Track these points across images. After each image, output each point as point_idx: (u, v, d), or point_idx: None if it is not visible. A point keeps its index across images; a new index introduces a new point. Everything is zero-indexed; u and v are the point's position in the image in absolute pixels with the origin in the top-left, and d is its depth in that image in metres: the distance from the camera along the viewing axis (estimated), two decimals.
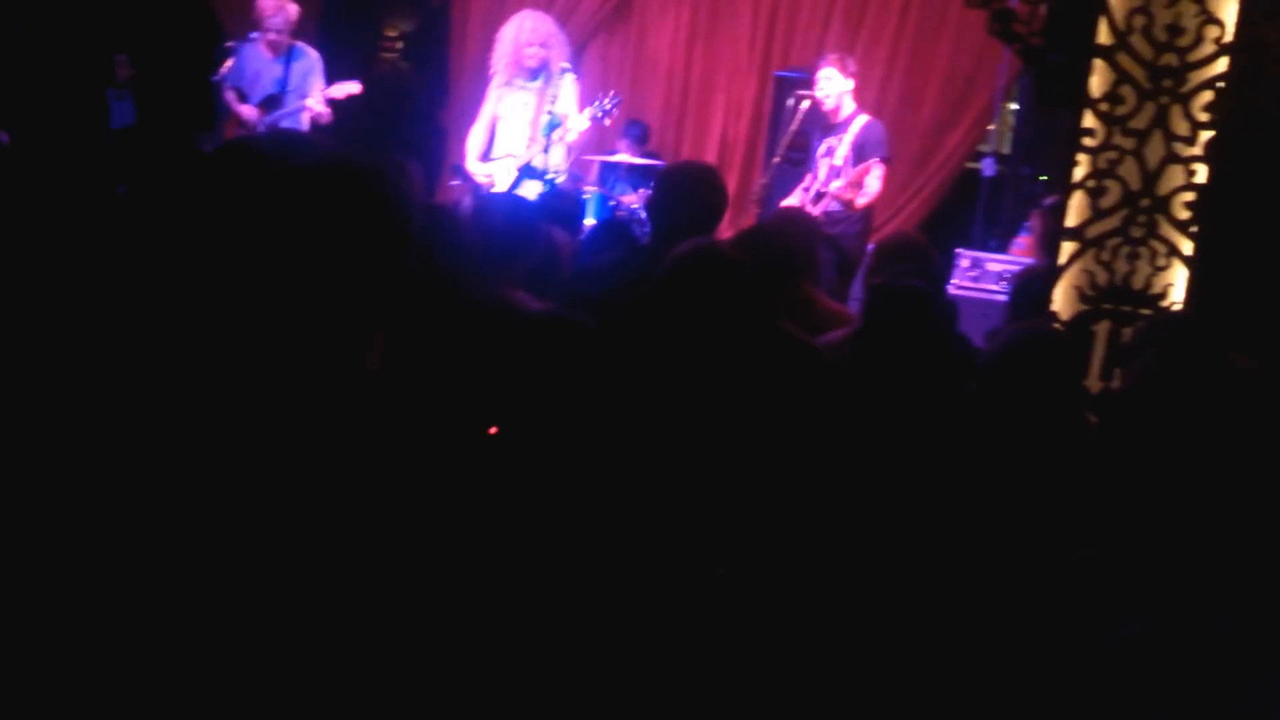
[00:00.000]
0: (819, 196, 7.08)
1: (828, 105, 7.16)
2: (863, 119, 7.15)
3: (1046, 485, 2.50)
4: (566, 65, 7.36)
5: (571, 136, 7.20)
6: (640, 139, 8.97)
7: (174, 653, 1.65)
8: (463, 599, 1.83)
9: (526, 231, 3.99)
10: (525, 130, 7.25)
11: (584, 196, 7.51)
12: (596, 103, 7.29)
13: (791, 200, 7.23)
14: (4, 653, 1.66)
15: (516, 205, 4.50)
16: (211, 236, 1.88)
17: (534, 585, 2.25)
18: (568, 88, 7.28)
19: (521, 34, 7.30)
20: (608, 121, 7.51)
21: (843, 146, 7.08)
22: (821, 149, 7.24)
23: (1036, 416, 2.76)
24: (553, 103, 7.19)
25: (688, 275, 3.00)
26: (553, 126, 7.18)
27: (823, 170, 7.19)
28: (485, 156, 7.40)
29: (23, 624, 1.68)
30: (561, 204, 5.55)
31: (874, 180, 6.94)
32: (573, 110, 7.23)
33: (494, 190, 7.21)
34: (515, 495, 2.34)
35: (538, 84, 7.31)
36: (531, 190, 7.15)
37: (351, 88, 7.51)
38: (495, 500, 2.16)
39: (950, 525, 2.36)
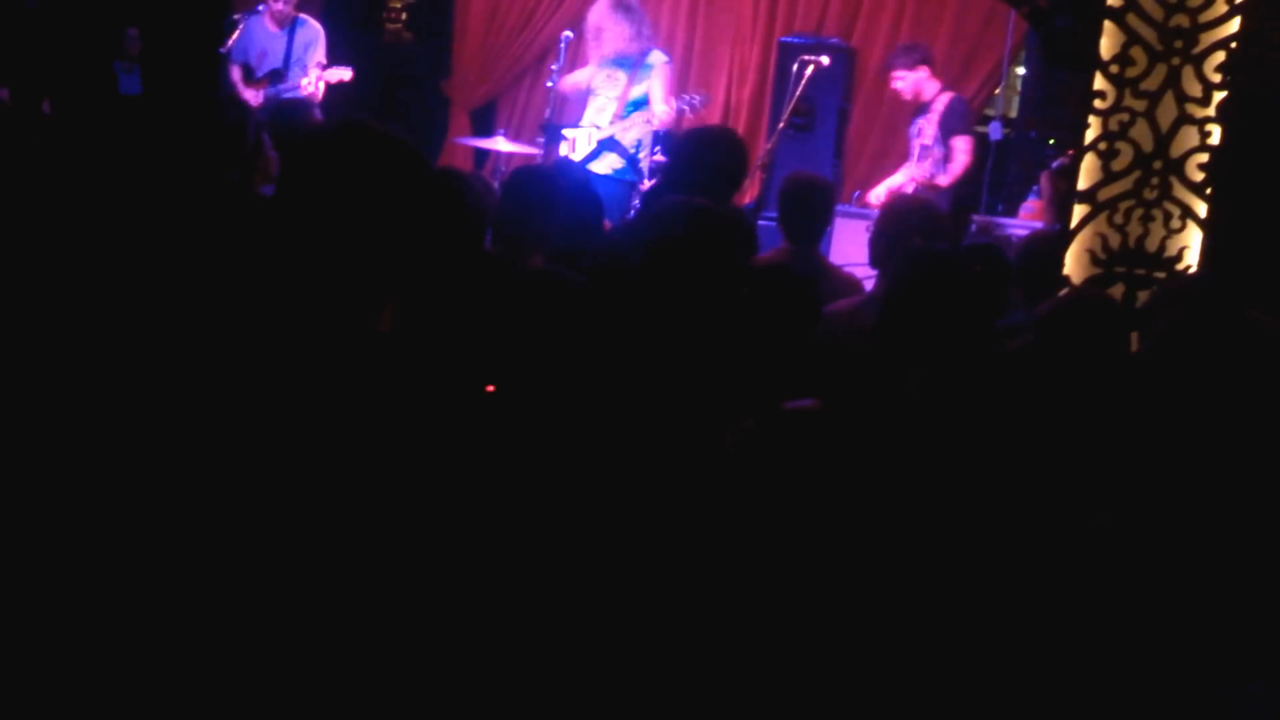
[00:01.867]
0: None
1: (907, 96, 7.58)
2: (945, 96, 7.44)
3: (1079, 449, 2.51)
4: (648, 48, 7.36)
5: (655, 123, 7.23)
6: None
7: (192, 588, 1.70)
8: (465, 553, 1.86)
9: (547, 199, 3.98)
10: (611, 105, 7.31)
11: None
12: (686, 96, 7.34)
13: (897, 179, 7.52)
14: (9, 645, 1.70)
15: (542, 174, 4.47)
16: (234, 205, 1.92)
17: (532, 542, 2.27)
18: (658, 72, 7.32)
19: (589, 23, 7.45)
20: (690, 115, 7.58)
21: (929, 126, 7.37)
22: (914, 129, 7.53)
23: (1082, 384, 2.75)
24: (635, 81, 7.27)
25: (680, 232, 2.97)
26: (636, 106, 7.26)
27: (916, 149, 7.48)
28: (573, 124, 7.50)
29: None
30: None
31: (960, 155, 7.28)
32: (659, 95, 7.27)
33: (572, 157, 7.33)
34: (515, 449, 2.35)
35: (629, 65, 7.36)
36: (608, 164, 7.26)
37: (343, 74, 7.54)
38: (496, 454, 2.18)
39: (983, 498, 2.36)
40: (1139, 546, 2.09)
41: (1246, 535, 1.99)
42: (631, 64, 7.31)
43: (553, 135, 7.57)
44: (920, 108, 7.51)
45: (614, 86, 7.35)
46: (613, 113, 7.32)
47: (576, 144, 7.37)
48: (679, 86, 9.59)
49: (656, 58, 7.37)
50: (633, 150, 7.26)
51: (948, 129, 7.30)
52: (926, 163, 7.31)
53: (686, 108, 7.35)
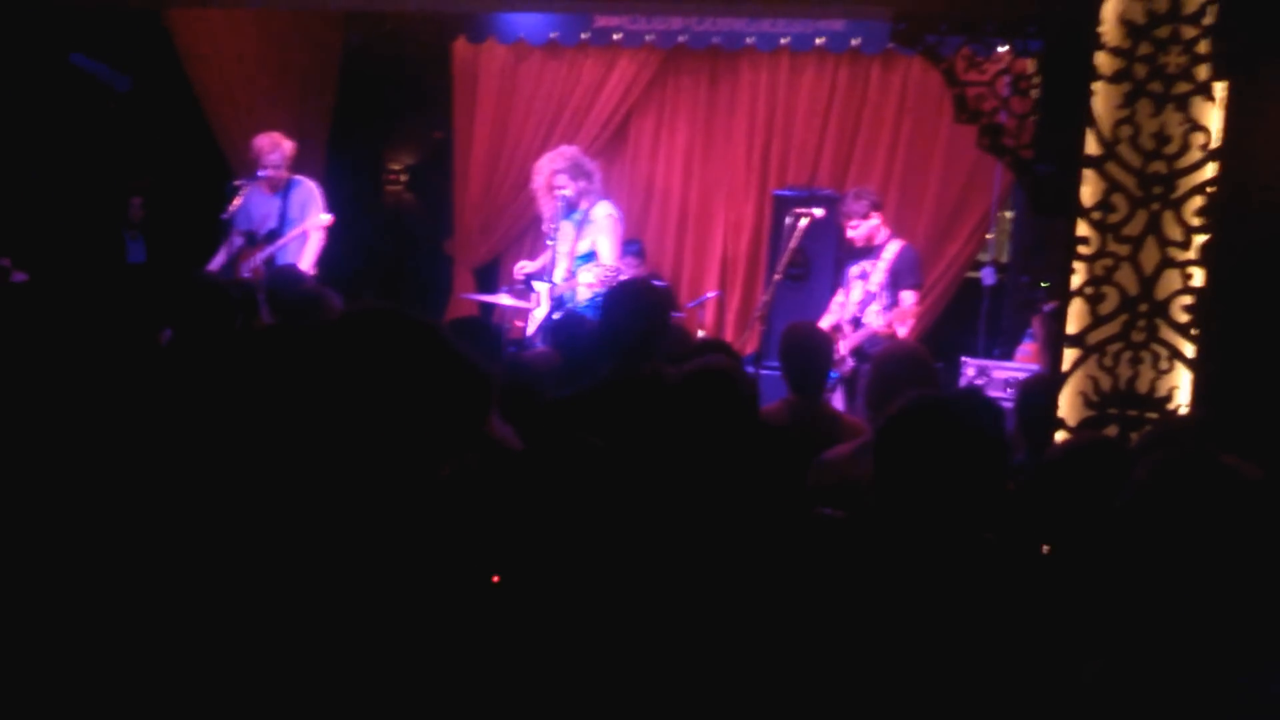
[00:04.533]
0: (856, 322, 7.44)
1: (859, 243, 7.56)
2: (896, 245, 7.49)
3: (1064, 596, 2.50)
4: (593, 202, 7.45)
5: (596, 279, 7.18)
6: (640, 254, 9.13)
7: None
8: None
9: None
10: (563, 261, 7.45)
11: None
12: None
13: (829, 318, 7.55)
14: None
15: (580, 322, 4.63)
16: (287, 380, 1.98)
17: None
18: (603, 226, 7.41)
19: (539, 174, 7.57)
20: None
21: (877, 273, 7.41)
22: (855, 270, 7.57)
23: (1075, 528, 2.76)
24: (582, 235, 7.38)
25: (702, 395, 3.03)
26: (585, 260, 7.37)
27: (855, 292, 7.51)
28: (533, 279, 7.66)
29: None
30: (573, 327, 5.60)
31: (910, 309, 7.33)
32: (606, 250, 7.36)
33: (536, 312, 7.44)
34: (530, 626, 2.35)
35: (577, 217, 7.49)
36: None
37: (324, 219, 7.76)
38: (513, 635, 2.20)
39: (975, 639, 2.35)
40: (1129, 696, 2.06)
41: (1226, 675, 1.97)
42: (579, 219, 7.43)
43: (528, 287, 7.69)
44: (862, 250, 7.54)
45: (564, 241, 7.46)
46: (565, 269, 7.41)
47: (540, 298, 7.46)
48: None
49: (601, 211, 7.43)
50: (583, 308, 7.20)
51: (898, 279, 7.36)
52: (879, 308, 7.31)
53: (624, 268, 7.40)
